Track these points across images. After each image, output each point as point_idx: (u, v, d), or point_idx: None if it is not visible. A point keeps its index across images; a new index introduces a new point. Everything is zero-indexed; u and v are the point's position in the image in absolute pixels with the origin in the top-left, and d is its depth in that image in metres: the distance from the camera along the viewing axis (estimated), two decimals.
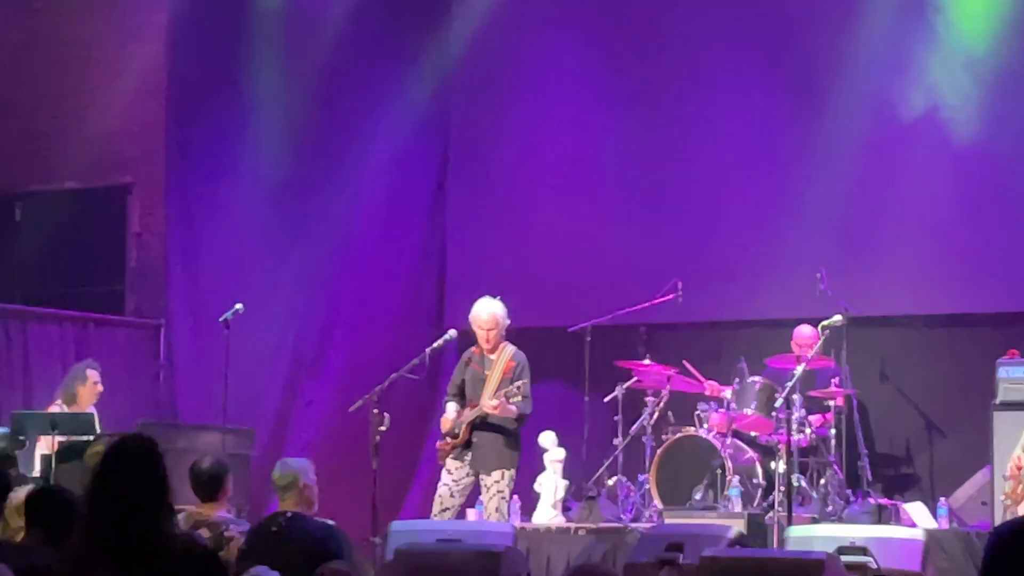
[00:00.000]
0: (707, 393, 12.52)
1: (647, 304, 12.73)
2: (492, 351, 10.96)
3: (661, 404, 12.49)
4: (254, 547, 7.76)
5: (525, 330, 11.83)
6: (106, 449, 5.29)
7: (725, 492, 11.85)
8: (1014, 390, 11.87)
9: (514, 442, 10.84)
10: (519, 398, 10.62)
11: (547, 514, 11.93)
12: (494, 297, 11.00)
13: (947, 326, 12.95)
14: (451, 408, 10.99)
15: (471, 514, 11.64)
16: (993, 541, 5.80)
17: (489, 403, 10.71)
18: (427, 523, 10.44)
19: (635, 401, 12.56)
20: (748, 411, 12.22)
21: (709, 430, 12.28)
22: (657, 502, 12.05)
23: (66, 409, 11.57)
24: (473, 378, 10.99)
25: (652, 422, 12.42)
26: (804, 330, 12.41)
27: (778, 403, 11.25)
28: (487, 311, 10.91)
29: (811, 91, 13.44)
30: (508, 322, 10.95)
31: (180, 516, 8.32)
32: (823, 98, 13.42)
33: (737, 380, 12.40)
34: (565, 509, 12.02)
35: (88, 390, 11.64)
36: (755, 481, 12.06)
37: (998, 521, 10.61)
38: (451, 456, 10.92)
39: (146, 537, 5.11)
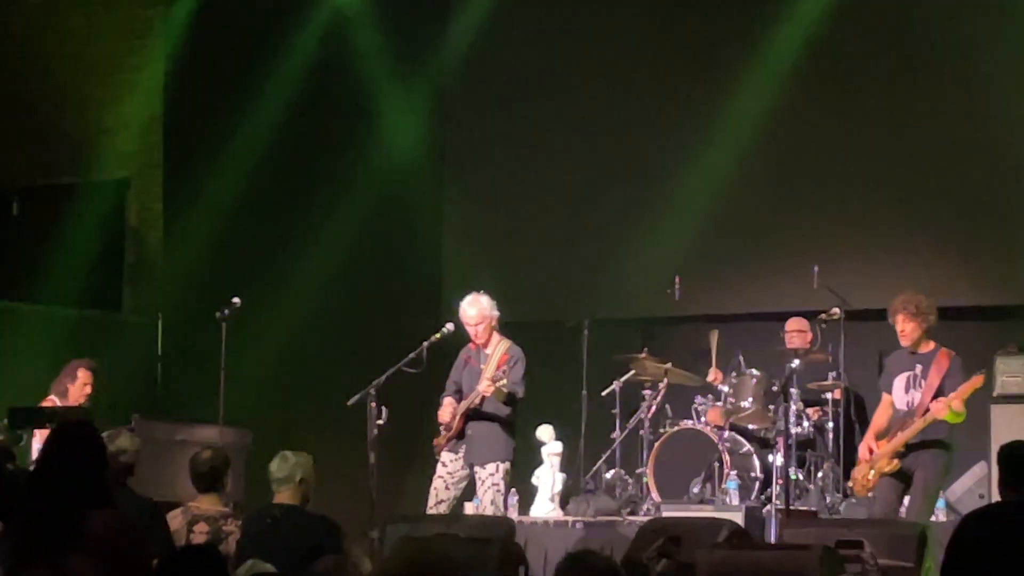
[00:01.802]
0: (710, 380, 12.53)
1: (644, 298, 12.74)
2: (485, 345, 10.98)
3: (658, 397, 12.50)
4: (249, 540, 7.77)
5: (522, 324, 11.84)
6: (48, 435, 5.33)
7: (722, 485, 11.87)
8: (1011, 383, 11.90)
9: (508, 434, 10.85)
10: (505, 380, 10.64)
11: (544, 507, 11.93)
12: (480, 292, 11.01)
13: (944, 319, 12.91)
14: (448, 402, 11.01)
15: (469, 507, 11.65)
16: (957, 526, 6.11)
17: (483, 385, 10.71)
18: (424, 516, 10.45)
19: (632, 395, 12.57)
20: (745, 404, 12.23)
21: (706, 423, 12.30)
22: (654, 495, 12.06)
23: (58, 404, 11.59)
24: (470, 373, 11.01)
25: (649, 415, 12.43)
26: (795, 322, 12.43)
27: (775, 396, 11.27)
28: (473, 307, 10.92)
29: (809, 86, 13.45)
30: (497, 314, 10.96)
31: (178, 511, 8.33)
32: (820, 93, 13.44)
33: (734, 374, 12.42)
34: (563, 503, 12.03)
35: (76, 389, 11.66)
36: (752, 474, 12.07)
37: None
38: (446, 449, 10.94)
39: (76, 522, 5.13)
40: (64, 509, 5.21)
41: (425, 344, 10.87)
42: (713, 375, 12.58)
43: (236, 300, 11.58)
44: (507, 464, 10.83)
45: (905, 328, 10.34)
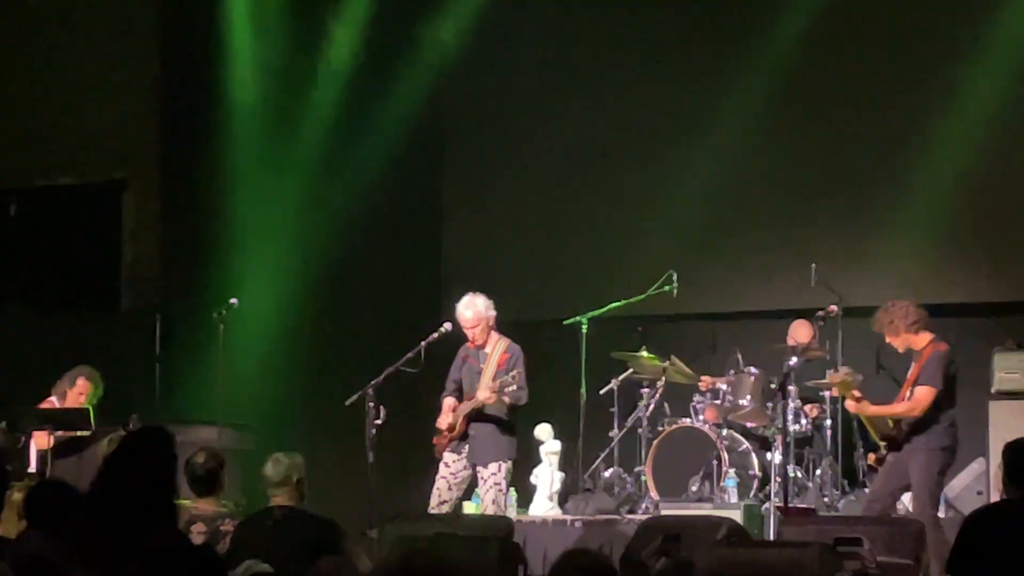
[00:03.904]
0: (702, 387, 12.53)
1: (642, 296, 12.74)
2: (484, 345, 10.97)
3: (656, 396, 12.49)
4: (249, 541, 7.75)
5: (520, 323, 11.84)
6: (123, 438, 5.26)
7: (721, 483, 11.87)
8: (1009, 379, 11.90)
9: (510, 433, 10.85)
10: (514, 387, 10.64)
11: (543, 506, 11.94)
12: (476, 293, 11.00)
13: (943, 316, 12.93)
14: (448, 402, 11.00)
15: (468, 507, 11.65)
16: (964, 522, 6.13)
17: (483, 393, 10.71)
18: (424, 516, 10.44)
19: (631, 393, 12.57)
20: (743, 402, 12.23)
21: (705, 421, 12.30)
22: (653, 493, 12.06)
23: (58, 405, 11.61)
24: (470, 372, 11.01)
25: (648, 414, 12.43)
26: (801, 327, 12.39)
27: (773, 394, 11.26)
28: (469, 309, 10.91)
29: (807, 83, 13.46)
30: (493, 314, 10.95)
31: None
32: (817, 90, 13.44)
33: (732, 371, 12.42)
34: (561, 501, 12.03)
35: (72, 394, 11.70)
36: (751, 472, 12.07)
37: None
38: (448, 449, 10.93)
39: (149, 531, 5.09)
40: (127, 522, 5.15)
41: (423, 344, 10.86)
42: (704, 383, 12.54)
43: (233, 301, 11.57)
44: (509, 463, 10.83)
45: (892, 342, 10.53)
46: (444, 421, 10.93)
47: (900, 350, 10.52)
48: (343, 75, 14.06)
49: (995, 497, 11.25)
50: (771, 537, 10.68)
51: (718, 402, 12.38)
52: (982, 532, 6.52)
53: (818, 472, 12.11)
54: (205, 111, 13.50)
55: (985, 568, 6.36)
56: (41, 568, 5.64)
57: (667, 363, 12.41)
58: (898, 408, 10.43)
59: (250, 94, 13.65)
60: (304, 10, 13.91)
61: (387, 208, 14.20)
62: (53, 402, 11.67)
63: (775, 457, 11.71)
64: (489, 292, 11.07)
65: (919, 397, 10.22)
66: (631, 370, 12.50)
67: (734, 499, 11.66)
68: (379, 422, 10.51)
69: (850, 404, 10.77)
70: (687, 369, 12.55)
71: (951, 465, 10.45)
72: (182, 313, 13.19)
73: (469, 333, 10.95)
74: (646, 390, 12.50)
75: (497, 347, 10.94)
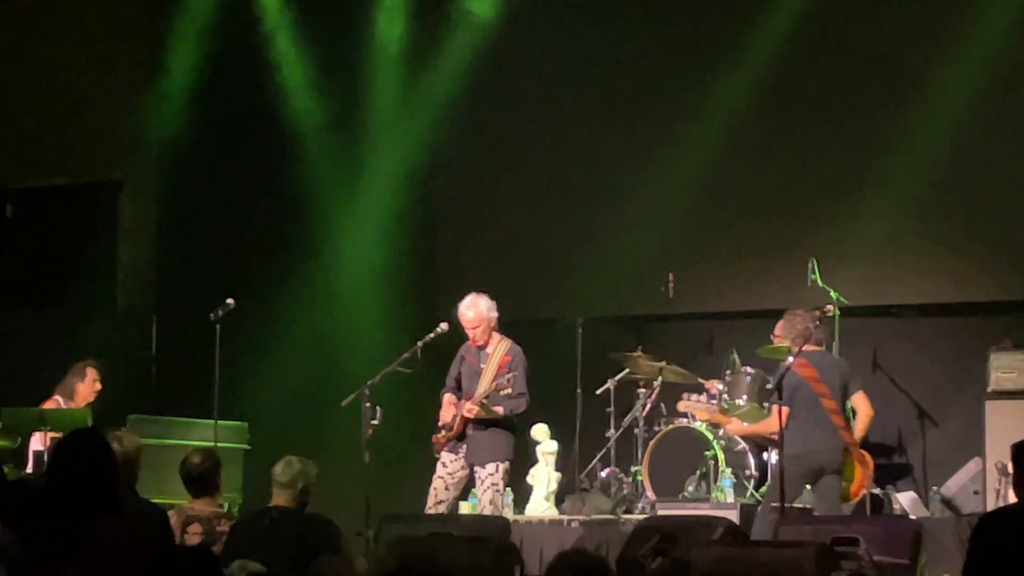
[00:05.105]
0: (708, 388, 12.49)
1: (638, 296, 12.73)
2: (485, 346, 10.97)
3: (653, 396, 12.48)
4: (246, 541, 7.75)
5: (516, 323, 11.83)
6: (56, 444, 5.33)
7: (718, 483, 11.87)
8: (1006, 379, 11.88)
9: (509, 433, 10.85)
10: (509, 390, 10.64)
11: (540, 506, 11.93)
12: (479, 292, 11.00)
13: (939, 315, 12.96)
14: (448, 398, 11.01)
15: (465, 507, 11.65)
16: (975, 526, 6.13)
17: (468, 405, 10.72)
18: (420, 516, 10.44)
19: (627, 393, 12.56)
20: (740, 402, 12.21)
21: (701, 421, 12.29)
22: (650, 494, 12.06)
23: (63, 404, 11.60)
24: (469, 371, 11.01)
25: (644, 414, 12.42)
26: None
27: (769, 394, 11.27)
28: (471, 310, 10.92)
29: (801, 81, 13.46)
30: (495, 315, 10.96)
31: (172, 512, 8.32)
32: (814, 88, 13.44)
33: (729, 371, 12.40)
34: (558, 502, 12.02)
35: (86, 387, 11.69)
36: (747, 472, 12.07)
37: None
38: (446, 449, 10.93)
39: (80, 532, 5.12)
40: (70, 519, 5.20)
41: (419, 344, 10.87)
42: (710, 384, 12.53)
43: (230, 301, 11.57)
44: (507, 464, 10.83)
45: None
46: (446, 414, 10.92)
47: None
48: (342, 76, 14.06)
49: (991, 496, 11.26)
50: (767, 537, 10.68)
51: (710, 402, 12.35)
52: (995, 535, 6.51)
53: None
54: (201, 112, 13.49)
55: (1000, 572, 6.35)
56: (34, 568, 5.65)
57: (661, 363, 12.38)
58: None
59: (245, 93, 13.65)
60: (304, 10, 13.92)
61: (383, 208, 14.18)
62: (58, 401, 11.67)
63: (771, 457, 11.70)
64: (484, 291, 11.07)
65: (774, 413, 10.74)
66: (627, 370, 12.50)
67: (731, 499, 11.66)
68: (375, 422, 10.52)
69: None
70: (680, 371, 12.50)
71: (802, 471, 10.65)
72: (178, 313, 13.19)
73: (470, 333, 10.97)
74: (642, 390, 12.49)
75: (499, 348, 10.95)
